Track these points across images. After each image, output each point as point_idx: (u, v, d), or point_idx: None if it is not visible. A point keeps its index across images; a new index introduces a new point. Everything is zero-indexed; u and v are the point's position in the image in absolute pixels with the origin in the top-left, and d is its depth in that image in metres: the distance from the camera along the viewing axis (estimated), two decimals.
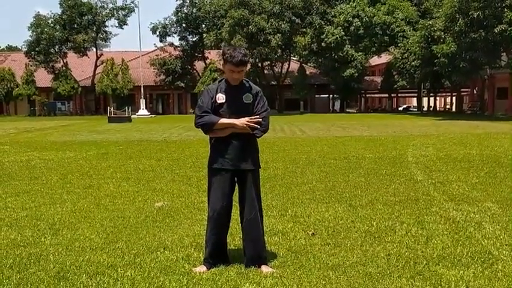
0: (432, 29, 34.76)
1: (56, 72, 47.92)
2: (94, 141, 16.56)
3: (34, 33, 46.91)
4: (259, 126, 3.67)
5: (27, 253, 4.21)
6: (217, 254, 3.81)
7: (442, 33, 33.45)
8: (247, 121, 3.63)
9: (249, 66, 45.97)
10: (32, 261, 4.00)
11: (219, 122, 3.65)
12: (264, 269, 3.71)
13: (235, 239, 4.55)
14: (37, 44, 46.75)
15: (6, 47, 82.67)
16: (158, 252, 4.17)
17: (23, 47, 50.20)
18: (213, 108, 3.71)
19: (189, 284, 3.47)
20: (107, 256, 4.09)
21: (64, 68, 48.12)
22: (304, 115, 41.59)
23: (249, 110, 3.73)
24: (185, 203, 6.23)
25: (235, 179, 3.82)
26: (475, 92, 45.60)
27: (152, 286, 3.44)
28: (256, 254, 3.79)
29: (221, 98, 3.72)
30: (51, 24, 47.72)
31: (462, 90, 46.19)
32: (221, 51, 3.87)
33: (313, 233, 4.74)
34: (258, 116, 3.67)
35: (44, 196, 6.77)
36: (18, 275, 3.67)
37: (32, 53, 47.16)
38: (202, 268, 3.74)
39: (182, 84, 48.30)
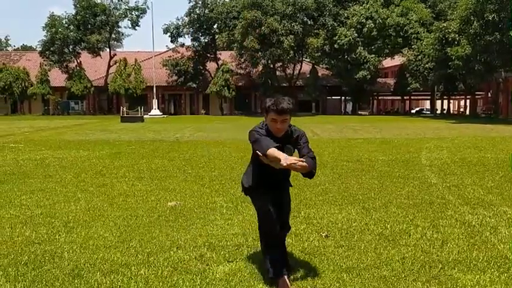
0: (446, 31, 34.47)
1: (70, 72, 48.41)
2: (107, 140, 16.67)
3: (49, 33, 47.45)
4: (301, 167, 3.18)
5: (42, 250, 4.24)
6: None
7: (457, 35, 33.17)
8: (292, 163, 3.14)
9: (260, 67, 46.22)
10: (46, 258, 4.03)
11: (270, 150, 3.24)
12: None
13: (247, 239, 4.55)
14: (52, 44, 47.30)
15: (21, 46, 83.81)
16: (172, 252, 4.18)
17: (38, 46, 50.85)
18: (256, 160, 3.48)
19: (202, 283, 3.46)
20: (121, 254, 4.11)
21: (77, 67, 48.59)
22: (316, 117, 41.45)
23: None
24: (197, 202, 6.24)
25: None
26: (489, 95, 45.10)
27: (166, 285, 3.44)
28: None
29: None
30: (66, 25, 48.25)
31: (476, 93, 45.70)
32: (265, 103, 3.45)
33: (326, 235, 4.71)
34: (303, 160, 3.22)
35: (58, 194, 6.83)
36: (33, 272, 3.70)
37: (47, 52, 47.72)
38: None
39: (194, 85, 48.47)
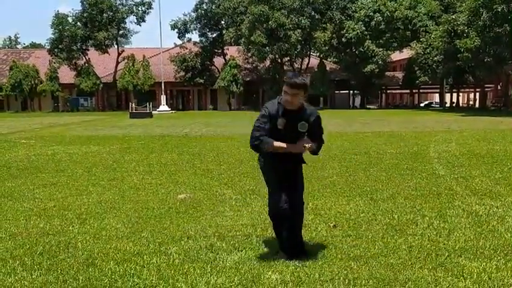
0: (455, 23, 34.18)
1: (79, 69, 48.70)
2: (117, 135, 16.82)
3: (56, 31, 47.72)
4: (307, 148, 3.68)
5: (57, 241, 4.35)
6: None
7: (466, 27, 32.88)
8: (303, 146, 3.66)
9: (268, 62, 46.15)
10: (61, 248, 4.14)
11: (274, 145, 3.70)
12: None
13: (256, 229, 4.62)
14: (60, 42, 47.56)
15: (30, 44, 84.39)
16: (182, 242, 4.27)
17: (47, 44, 51.13)
18: (271, 131, 3.70)
19: (213, 271, 3.55)
20: (133, 244, 4.21)
21: (86, 64, 48.89)
22: (325, 111, 41.32)
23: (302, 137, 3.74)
24: (207, 195, 6.33)
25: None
26: (499, 87, 44.71)
27: (177, 273, 3.53)
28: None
29: (281, 123, 3.68)
30: (73, 22, 48.49)
31: (486, 85, 45.32)
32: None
33: (334, 225, 4.77)
34: (309, 142, 3.68)
35: (70, 188, 6.96)
36: (48, 261, 3.81)
37: (55, 50, 47.99)
38: None
39: (201, 81, 48.57)
